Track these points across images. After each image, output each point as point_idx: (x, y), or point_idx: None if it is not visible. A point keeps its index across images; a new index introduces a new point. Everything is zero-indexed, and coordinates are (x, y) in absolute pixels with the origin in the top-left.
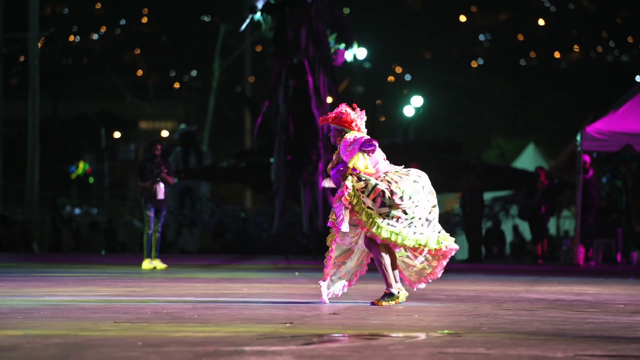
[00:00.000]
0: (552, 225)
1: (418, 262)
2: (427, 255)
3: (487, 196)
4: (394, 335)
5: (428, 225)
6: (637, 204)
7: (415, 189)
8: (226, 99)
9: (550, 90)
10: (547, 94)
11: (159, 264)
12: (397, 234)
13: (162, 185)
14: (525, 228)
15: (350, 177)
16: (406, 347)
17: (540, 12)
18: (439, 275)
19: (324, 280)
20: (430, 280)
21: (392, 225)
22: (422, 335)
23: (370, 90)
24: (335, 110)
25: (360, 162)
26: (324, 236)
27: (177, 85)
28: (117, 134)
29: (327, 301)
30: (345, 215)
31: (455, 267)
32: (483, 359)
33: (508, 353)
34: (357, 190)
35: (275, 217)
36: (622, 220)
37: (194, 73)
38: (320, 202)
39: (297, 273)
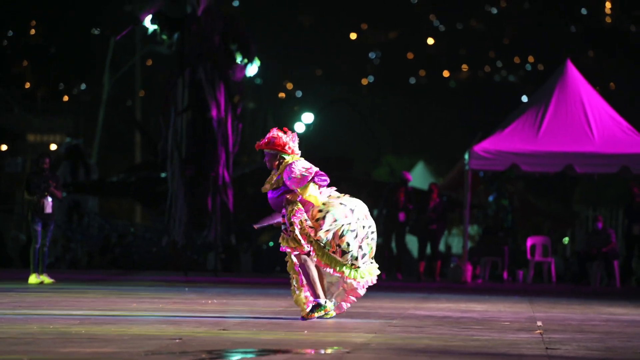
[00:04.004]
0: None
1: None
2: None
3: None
4: (283, 351)
5: (363, 257)
6: (523, 223)
7: (342, 212)
8: (116, 113)
9: (439, 109)
10: (436, 113)
11: (46, 279)
12: (339, 265)
13: (49, 199)
14: (414, 245)
15: (297, 205)
16: None
17: (429, 31)
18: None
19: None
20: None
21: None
22: (311, 352)
23: (261, 106)
24: (267, 135)
25: (310, 192)
26: (220, 253)
27: (66, 98)
28: (3, 147)
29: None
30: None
31: None
32: None
33: None
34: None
35: (174, 231)
36: (509, 238)
37: (83, 86)
38: (221, 220)
39: (186, 289)
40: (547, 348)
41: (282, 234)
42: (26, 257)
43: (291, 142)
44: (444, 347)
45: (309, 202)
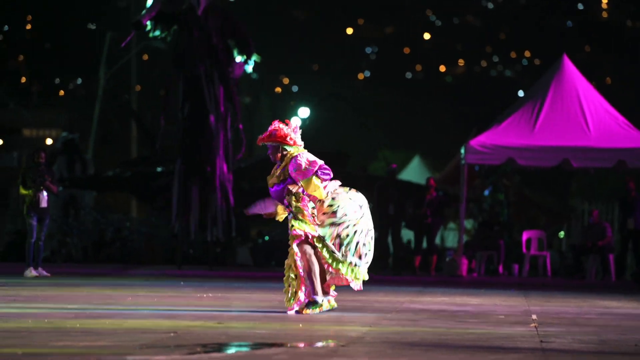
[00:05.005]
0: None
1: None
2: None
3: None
4: (278, 344)
5: (360, 258)
6: (519, 217)
7: (352, 207)
8: (113, 106)
9: (436, 104)
10: (432, 107)
11: (41, 273)
12: (337, 261)
13: (45, 193)
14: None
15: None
16: (290, 356)
17: (426, 25)
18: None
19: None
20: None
21: (334, 251)
22: (306, 345)
23: (257, 100)
24: (269, 128)
25: (312, 186)
26: (215, 246)
27: (61, 93)
28: None
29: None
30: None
31: None
32: None
33: None
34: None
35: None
36: (504, 232)
37: (79, 81)
38: (221, 214)
39: (182, 282)
40: (541, 341)
41: (290, 223)
42: (22, 251)
43: (293, 133)
44: (439, 341)
45: (314, 196)
